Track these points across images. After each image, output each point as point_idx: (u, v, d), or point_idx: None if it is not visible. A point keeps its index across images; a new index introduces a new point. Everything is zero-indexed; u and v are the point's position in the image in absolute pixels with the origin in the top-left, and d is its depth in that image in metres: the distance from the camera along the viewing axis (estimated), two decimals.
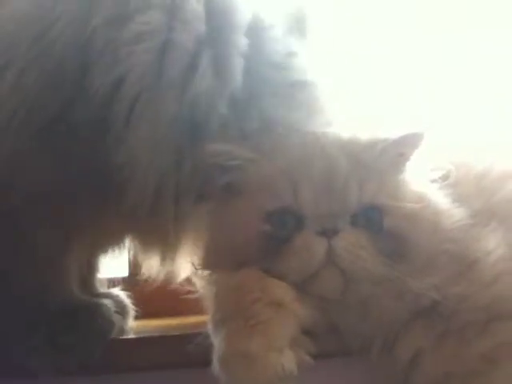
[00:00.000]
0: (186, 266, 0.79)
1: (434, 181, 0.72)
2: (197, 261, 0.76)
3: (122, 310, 0.80)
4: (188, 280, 0.78)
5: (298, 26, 0.73)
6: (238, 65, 0.68)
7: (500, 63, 0.98)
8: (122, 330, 0.79)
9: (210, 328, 0.66)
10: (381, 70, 0.88)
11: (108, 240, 0.78)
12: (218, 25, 0.69)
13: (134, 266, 0.94)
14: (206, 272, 0.73)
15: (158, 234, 0.73)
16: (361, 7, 0.91)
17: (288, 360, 0.61)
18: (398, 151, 0.71)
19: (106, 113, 0.67)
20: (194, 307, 0.74)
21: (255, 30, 0.70)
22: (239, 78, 0.68)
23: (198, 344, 0.65)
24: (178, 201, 0.70)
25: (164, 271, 0.79)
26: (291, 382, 0.62)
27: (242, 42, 0.69)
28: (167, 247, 0.75)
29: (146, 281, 0.89)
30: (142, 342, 0.78)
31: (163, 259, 0.76)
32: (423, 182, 0.72)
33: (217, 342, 0.64)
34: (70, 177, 0.69)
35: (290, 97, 0.70)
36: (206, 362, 0.63)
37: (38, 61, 0.69)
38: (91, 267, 0.81)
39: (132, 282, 0.89)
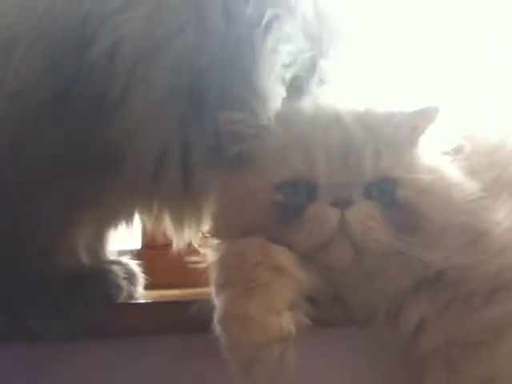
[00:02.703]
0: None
1: (446, 153, 0.71)
2: (206, 229, 0.76)
3: (130, 276, 0.81)
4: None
5: None
6: (220, 21, 0.69)
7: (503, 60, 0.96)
8: (131, 297, 0.80)
9: (212, 291, 0.67)
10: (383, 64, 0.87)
11: (116, 213, 0.79)
12: None
13: (147, 238, 0.96)
14: (215, 240, 0.74)
15: (169, 203, 0.74)
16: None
17: (286, 321, 0.61)
18: (413, 124, 0.70)
19: (105, 85, 0.68)
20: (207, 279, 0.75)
21: None
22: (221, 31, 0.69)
23: (202, 308, 0.66)
24: (187, 167, 0.70)
25: (182, 239, 0.79)
26: (290, 344, 0.62)
27: None
28: (179, 215, 0.76)
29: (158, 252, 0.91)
30: (148, 307, 0.79)
31: (177, 227, 0.77)
32: (436, 155, 0.72)
33: (218, 304, 0.64)
34: (74, 150, 0.70)
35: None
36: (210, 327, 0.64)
37: (43, 38, 0.70)
38: (101, 238, 0.82)
39: (144, 253, 0.90)
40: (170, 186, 0.71)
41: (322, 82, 0.75)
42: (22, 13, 0.72)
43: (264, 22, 0.68)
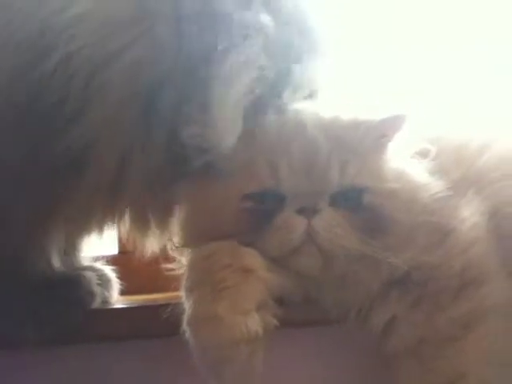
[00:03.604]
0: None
1: (412, 157, 0.72)
2: (175, 238, 0.77)
3: (105, 282, 0.81)
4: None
5: None
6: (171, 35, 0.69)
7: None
8: (106, 302, 0.81)
9: (182, 295, 0.67)
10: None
11: (85, 219, 0.78)
12: None
13: (124, 244, 0.96)
14: (185, 250, 0.74)
15: (132, 208, 0.75)
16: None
17: (253, 322, 0.62)
18: (380, 133, 0.71)
19: (64, 93, 0.69)
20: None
21: None
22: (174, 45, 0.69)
23: (175, 312, 0.66)
24: (149, 173, 0.71)
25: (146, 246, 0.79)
26: (258, 345, 0.63)
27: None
28: (143, 221, 0.76)
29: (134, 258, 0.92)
30: (123, 312, 0.79)
31: (141, 233, 0.77)
32: (402, 158, 0.72)
33: (187, 307, 0.65)
34: (39, 156, 0.70)
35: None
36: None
37: (6, 46, 0.71)
38: (74, 244, 0.82)
39: (121, 259, 0.91)
40: (131, 191, 0.72)
41: (300, 85, 0.75)
42: None
43: (219, 53, 0.68)
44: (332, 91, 0.76)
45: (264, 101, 0.71)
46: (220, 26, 0.68)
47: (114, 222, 0.78)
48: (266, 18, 0.69)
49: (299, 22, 0.73)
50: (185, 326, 0.64)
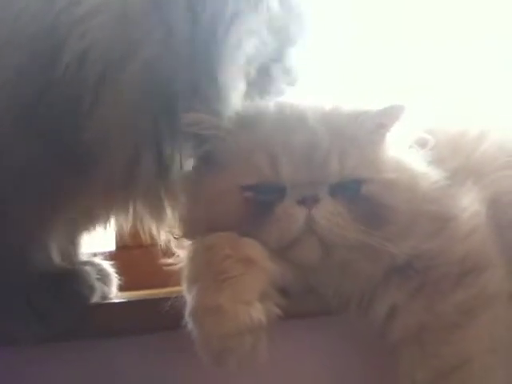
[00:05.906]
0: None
1: (410, 147, 0.72)
2: (176, 230, 0.76)
3: (104, 277, 0.81)
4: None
5: None
6: (185, 21, 0.69)
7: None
8: (106, 297, 0.80)
9: (184, 287, 0.67)
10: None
11: (90, 215, 0.79)
12: None
13: (121, 240, 0.96)
14: (186, 241, 0.74)
15: (147, 201, 0.75)
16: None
17: (256, 312, 0.62)
18: (379, 123, 0.71)
19: (77, 89, 0.68)
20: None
21: None
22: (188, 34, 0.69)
23: (175, 306, 0.66)
24: (161, 166, 0.71)
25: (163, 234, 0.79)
26: (261, 334, 0.62)
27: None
28: (157, 211, 0.76)
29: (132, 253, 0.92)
30: (123, 307, 0.79)
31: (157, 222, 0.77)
32: (401, 148, 0.72)
33: (189, 298, 0.65)
34: (47, 153, 0.70)
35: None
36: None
37: (13, 43, 0.70)
38: (74, 240, 0.82)
39: (119, 255, 0.90)
40: (143, 184, 0.72)
41: (290, 69, 0.76)
42: None
43: (226, 18, 0.68)
44: (340, 84, 0.77)
45: (264, 71, 0.72)
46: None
47: (126, 216, 0.77)
48: None
49: (297, 8, 0.74)
50: (187, 317, 0.64)
